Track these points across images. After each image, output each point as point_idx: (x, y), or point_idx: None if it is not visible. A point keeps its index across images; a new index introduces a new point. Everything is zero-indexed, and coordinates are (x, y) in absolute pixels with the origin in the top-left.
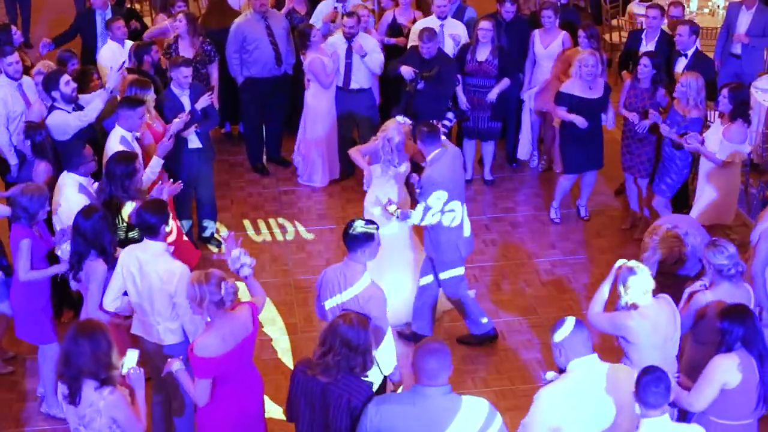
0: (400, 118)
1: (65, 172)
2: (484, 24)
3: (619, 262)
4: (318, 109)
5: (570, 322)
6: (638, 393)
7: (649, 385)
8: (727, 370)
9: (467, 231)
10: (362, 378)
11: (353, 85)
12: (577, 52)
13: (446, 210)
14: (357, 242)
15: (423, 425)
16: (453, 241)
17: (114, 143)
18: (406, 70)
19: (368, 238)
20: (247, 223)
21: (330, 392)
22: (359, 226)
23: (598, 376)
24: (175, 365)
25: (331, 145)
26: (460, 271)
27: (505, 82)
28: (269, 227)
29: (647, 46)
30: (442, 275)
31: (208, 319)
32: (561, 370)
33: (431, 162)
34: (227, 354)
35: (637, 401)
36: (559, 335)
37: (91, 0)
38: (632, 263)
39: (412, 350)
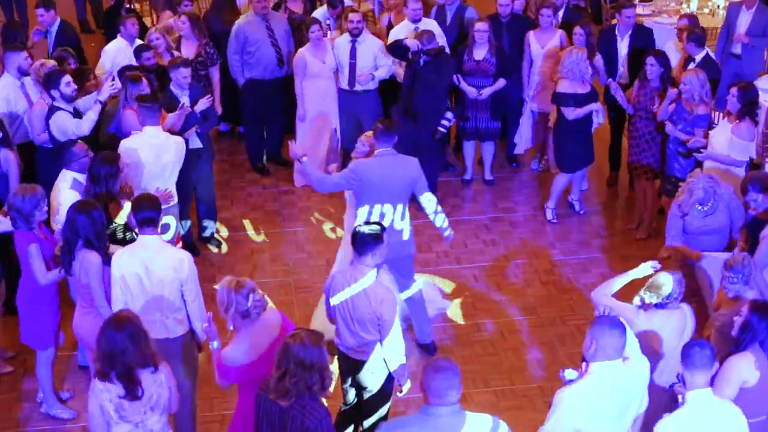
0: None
1: (63, 170)
2: (480, 25)
3: (651, 265)
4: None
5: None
6: (685, 359)
7: (694, 347)
8: (745, 369)
9: (406, 235)
10: (320, 399)
11: (357, 87)
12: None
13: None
14: (367, 245)
15: None
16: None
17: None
18: (412, 42)
19: (377, 239)
20: (247, 223)
21: (287, 415)
22: (365, 229)
23: (620, 376)
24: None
25: (316, 146)
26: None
27: (501, 83)
28: (269, 227)
29: (622, 41)
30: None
31: (231, 328)
32: (583, 359)
33: (375, 155)
34: (252, 363)
35: (684, 367)
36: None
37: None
38: (672, 273)
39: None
